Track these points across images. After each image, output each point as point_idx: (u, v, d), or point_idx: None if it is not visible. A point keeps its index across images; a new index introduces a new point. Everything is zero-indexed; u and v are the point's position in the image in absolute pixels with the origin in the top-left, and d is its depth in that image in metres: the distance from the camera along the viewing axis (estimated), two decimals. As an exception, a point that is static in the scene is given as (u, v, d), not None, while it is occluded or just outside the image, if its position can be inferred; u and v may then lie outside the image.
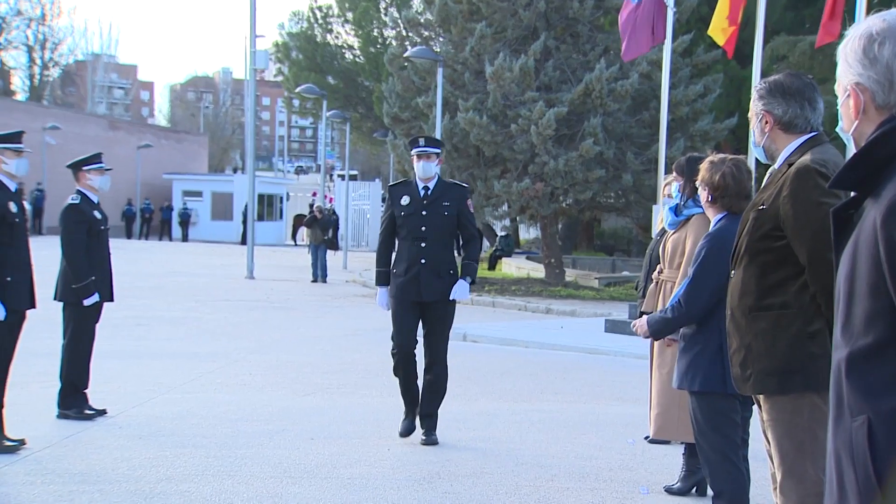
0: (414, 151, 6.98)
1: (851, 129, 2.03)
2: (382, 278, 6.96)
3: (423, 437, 6.76)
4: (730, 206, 4.33)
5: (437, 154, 6.99)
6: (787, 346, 3.32)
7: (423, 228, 6.79)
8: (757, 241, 3.38)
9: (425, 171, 6.89)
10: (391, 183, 7.36)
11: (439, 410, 6.93)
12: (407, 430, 6.89)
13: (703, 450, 4.48)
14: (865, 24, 2.00)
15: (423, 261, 6.75)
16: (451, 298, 6.78)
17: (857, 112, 1.99)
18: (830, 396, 1.96)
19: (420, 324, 6.91)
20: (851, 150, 2.06)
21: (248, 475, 5.75)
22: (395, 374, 6.92)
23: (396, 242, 6.98)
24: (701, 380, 4.36)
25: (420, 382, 6.93)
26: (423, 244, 6.78)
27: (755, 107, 3.51)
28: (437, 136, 18.74)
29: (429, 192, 6.88)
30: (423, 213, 6.81)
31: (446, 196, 6.90)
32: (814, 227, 3.21)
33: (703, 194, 4.43)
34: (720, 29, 13.19)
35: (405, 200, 6.88)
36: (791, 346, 3.32)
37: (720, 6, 13.23)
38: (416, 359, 6.87)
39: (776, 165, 3.49)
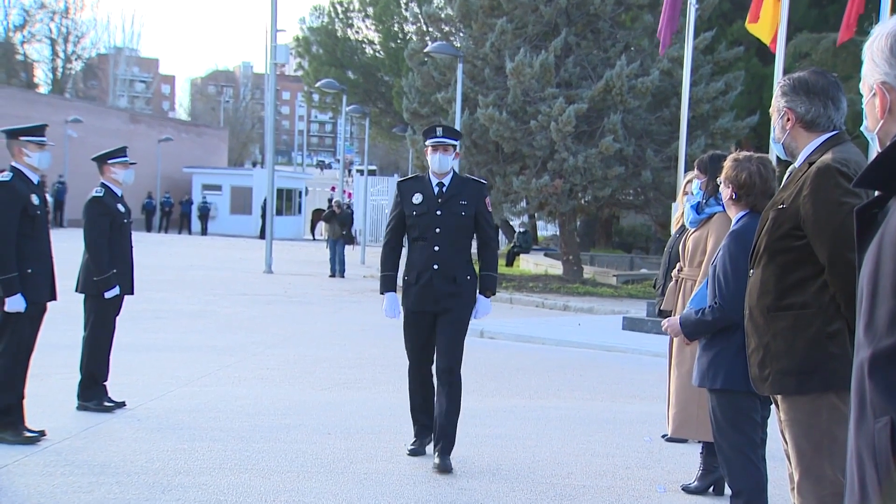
0: (429, 142, 6.26)
1: (877, 128, 2.01)
2: (389, 283, 6.28)
3: (437, 462, 5.94)
4: (753, 205, 4.29)
5: (455, 146, 6.32)
6: (806, 345, 3.30)
7: (438, 230, 6.10)
8: (777, 241, 3.35)
9: (441, 164, 6.19)
10: (400, 178, 6.49)
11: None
12: (416, 453, 6.29)
13: (722, 448, 4.45)
14: (892, 22, 1.98)
15: (435, 266, 6.06)
16: (473, 318, 6.23)
17: (882, 111, 1.97)
18: (852, 397, 1.95)
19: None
20: (875, 149, 2.04)
21: (265, 469, 5.77)
22: (411, 395, 6.45)
23: (406, 245, 6.32)
24: (723, 378, 4.31)
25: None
26: (436, 247, 6.08)
27: (777, 103, 3.48)
28: (457, 131, 18.72)
29: (444, 190, 6.18)
30: (438, 212, 6.11)
31: (463, 194, 6.19)
32: (834, 227, 3.18)
33: (725, 192, 4.39)
34: (762, 28, 13.08)
35: (417, 199, 6.17)
36: (810, 345, 3.29)
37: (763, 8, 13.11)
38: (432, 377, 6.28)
39: (797, 164, 3.46)
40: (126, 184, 7.53)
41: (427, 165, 6.37)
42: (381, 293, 6.34)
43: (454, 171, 6.34)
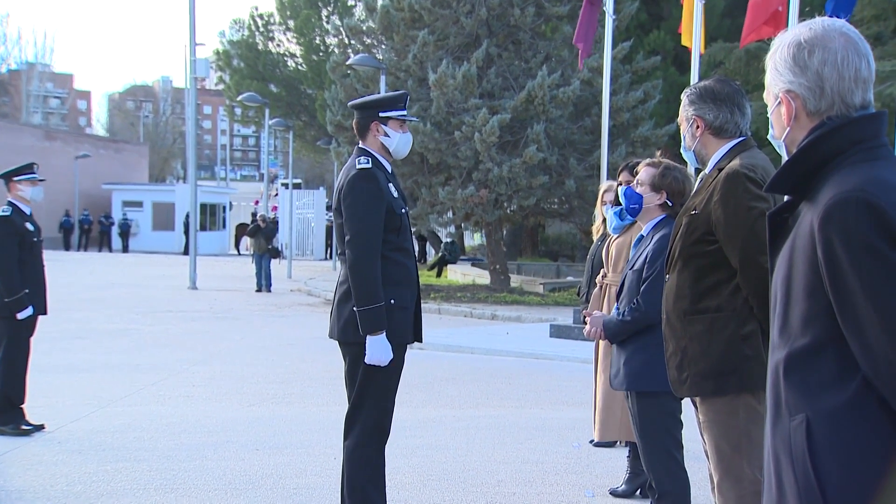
0: (397, 115, 4.57)
1: (783, 135, 2.07)
2: (383, 316, 4.35)
3: None
4: (676, 211, 4.36)
5: None
6: (721, 348, 3.37)
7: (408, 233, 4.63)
8: (690, 246, 3.43)
9: (409, 145, 4.68)
10: (364, 164, 4.46)
11: None
12: None
13: (649, 451, 4.44)
14: (792, 33, 2.05)
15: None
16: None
17: (788, 119, 2.03)
18: (768, 397, 2.00)
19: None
20: (782, 157, 2.10)
21: (192, 488, 5.68)
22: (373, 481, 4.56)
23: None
24: (661, 379, 4.26)
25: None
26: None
27: (686, 112, 3.57)
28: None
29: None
30: (402, 210, 4.59)
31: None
32: (744, 231, 3.27)
33: (656, 197, 4.39)
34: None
35: (394, 191, 4.54)
36: (726, 348, 3.37)
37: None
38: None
39: (707, 170, 3.55)
40: (35, 201, 7.33)
41: (385, 146, 4.58)
42: (370, 332, 4.30)
43: None
